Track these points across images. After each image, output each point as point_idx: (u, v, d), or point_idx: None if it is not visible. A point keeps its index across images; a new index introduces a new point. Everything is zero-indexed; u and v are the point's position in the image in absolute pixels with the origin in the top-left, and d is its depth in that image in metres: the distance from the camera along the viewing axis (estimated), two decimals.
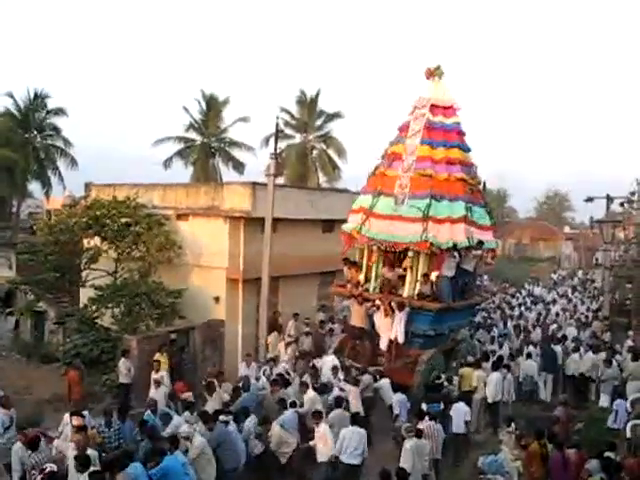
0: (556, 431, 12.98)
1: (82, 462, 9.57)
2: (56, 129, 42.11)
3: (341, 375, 15.71)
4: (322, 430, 12.28)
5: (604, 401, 17.70)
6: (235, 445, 11.77)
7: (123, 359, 16.90)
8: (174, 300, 20.23)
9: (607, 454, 11.28)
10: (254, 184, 21.07)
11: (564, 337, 22.14)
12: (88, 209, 21.31)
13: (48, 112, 41.39)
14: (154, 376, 15.54)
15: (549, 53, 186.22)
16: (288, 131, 43.15)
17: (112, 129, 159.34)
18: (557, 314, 30.37)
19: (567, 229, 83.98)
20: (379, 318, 17.22)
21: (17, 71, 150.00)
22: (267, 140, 40.58)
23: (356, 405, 14.18)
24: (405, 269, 17.90)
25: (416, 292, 17.13)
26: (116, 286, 20.65)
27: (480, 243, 17.49)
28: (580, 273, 58.81)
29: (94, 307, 20.36)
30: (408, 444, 11.49)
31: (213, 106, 42.89)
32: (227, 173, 43.08)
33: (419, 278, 17.21)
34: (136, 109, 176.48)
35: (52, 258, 21.07)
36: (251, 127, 77.01)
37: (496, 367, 16.88)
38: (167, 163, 42.11)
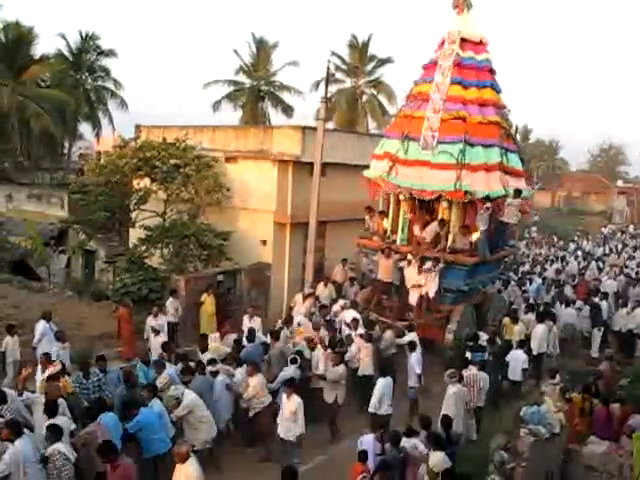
0: (600, 385, 12.94)
1: (48, 409, 9.29)
2: (106, 71, 42.51)
3: (361, 329, 14.65)
4: (294, 405, 10.95)
5: None
6: (220, 397, 11.41)
7: (171, 298, 17.09)
8: (222, 242, 20.36)
9: None
10: (304, 128, 20.91)
11: (605, 294, 21.31)
12: (138, 150, 21.38)
13: (99, 53, 41.67)
14: (151, 323, 15.35)
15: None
16: (339, 75, 42.91)
17: (162, 71, 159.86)
18: (599, 269, 29.81)
19: (620, 183, 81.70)
20: (409, 272, 16.30)
21: (68, 13, 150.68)
22: (317, 84, 40.15)
23: (367, 363, 13.59)
24: (439, 221, 16.84)
25: (449, 245, 16.28)
26: (165, 227, 20.89)
27: (518, 192, 16.37)
28: (632, 228, 57.51)
29: (143, 247, 20.66)
30: (451, 390, 11.58)
31: (263, 49, 42.61)
32: (276, 116, 43.10)
33: (452, 230, 16.39)
34: (186, 52, 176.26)
35: (102, 198, 21.24)
36: (300, 71, 76.55)
37: (541, 319, 16.68)
38: (216, 106, 42.16)
